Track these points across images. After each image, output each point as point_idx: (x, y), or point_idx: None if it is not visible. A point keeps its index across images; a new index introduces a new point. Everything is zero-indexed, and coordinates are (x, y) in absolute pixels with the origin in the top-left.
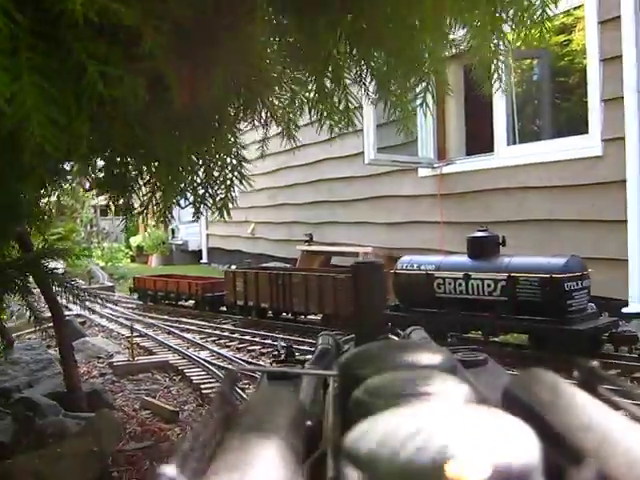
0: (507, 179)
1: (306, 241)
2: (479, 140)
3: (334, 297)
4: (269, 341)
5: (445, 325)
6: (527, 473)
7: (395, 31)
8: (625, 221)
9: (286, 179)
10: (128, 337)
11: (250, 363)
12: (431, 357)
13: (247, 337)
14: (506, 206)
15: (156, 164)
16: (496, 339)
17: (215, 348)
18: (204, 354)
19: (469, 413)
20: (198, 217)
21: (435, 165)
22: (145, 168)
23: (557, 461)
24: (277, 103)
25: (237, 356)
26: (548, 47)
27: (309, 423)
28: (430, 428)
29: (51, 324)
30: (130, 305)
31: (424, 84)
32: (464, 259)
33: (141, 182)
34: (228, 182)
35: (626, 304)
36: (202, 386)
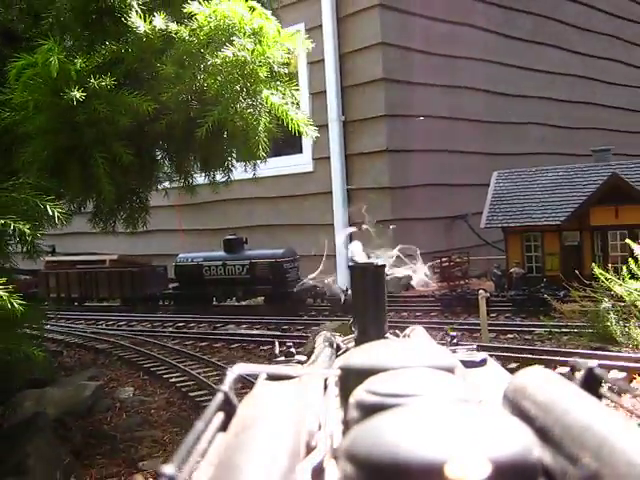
0: (239, 191)
1: (49, 252)
2: None
3: (132, 285)
4: (90, 317)
5: (211, 296)
6: (526, 473)
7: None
8: (332, 224)
9: None
10: None
11: (81, 330)
12: (431, 357)
13: (70, 317)
14: (238, 214)
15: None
16: (244, 302)
17: (52, 322)
18: (48, 327)
19: (469, 413)
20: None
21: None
22: None
23: (556, 461)
24: None
25: (73, 326)
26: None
27: (308, 423)
28: (430, 428)
29: None
30: None
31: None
32: (222, 253)
33: None
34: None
35: None
36: (66, 339)
